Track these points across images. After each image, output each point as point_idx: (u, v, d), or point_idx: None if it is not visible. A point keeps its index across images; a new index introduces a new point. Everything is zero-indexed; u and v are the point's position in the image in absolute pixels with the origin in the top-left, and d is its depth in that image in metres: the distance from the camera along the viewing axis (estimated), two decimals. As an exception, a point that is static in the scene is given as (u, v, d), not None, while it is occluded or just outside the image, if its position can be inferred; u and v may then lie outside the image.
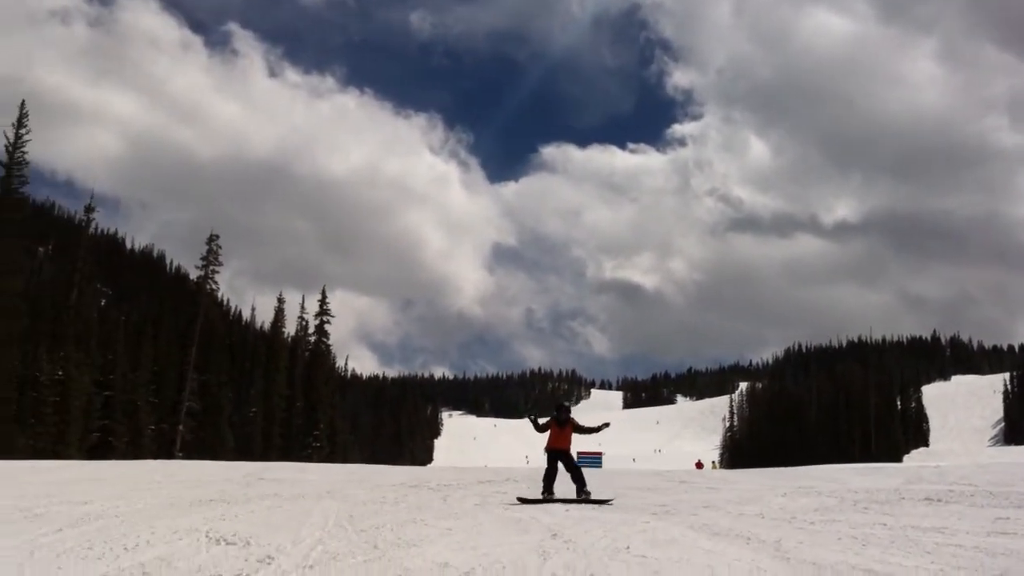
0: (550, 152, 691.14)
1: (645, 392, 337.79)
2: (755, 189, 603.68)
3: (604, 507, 12.45)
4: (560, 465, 14.01)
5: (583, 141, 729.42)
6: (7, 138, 49.42)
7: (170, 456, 53.56)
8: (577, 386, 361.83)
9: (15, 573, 6.93)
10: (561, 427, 14.22)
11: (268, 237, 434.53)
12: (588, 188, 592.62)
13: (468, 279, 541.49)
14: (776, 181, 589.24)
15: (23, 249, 56.40)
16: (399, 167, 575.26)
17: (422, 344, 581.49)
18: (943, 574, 6.55)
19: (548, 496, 13.63)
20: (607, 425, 15.26)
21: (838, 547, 8.05)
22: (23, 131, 50.12)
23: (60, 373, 50.41)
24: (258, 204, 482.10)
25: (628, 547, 8.00)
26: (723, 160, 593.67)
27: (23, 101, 50.98)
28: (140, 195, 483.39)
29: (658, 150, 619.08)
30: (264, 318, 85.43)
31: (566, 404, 14.90)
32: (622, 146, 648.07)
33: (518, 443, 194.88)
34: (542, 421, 14.40)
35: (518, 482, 17.27)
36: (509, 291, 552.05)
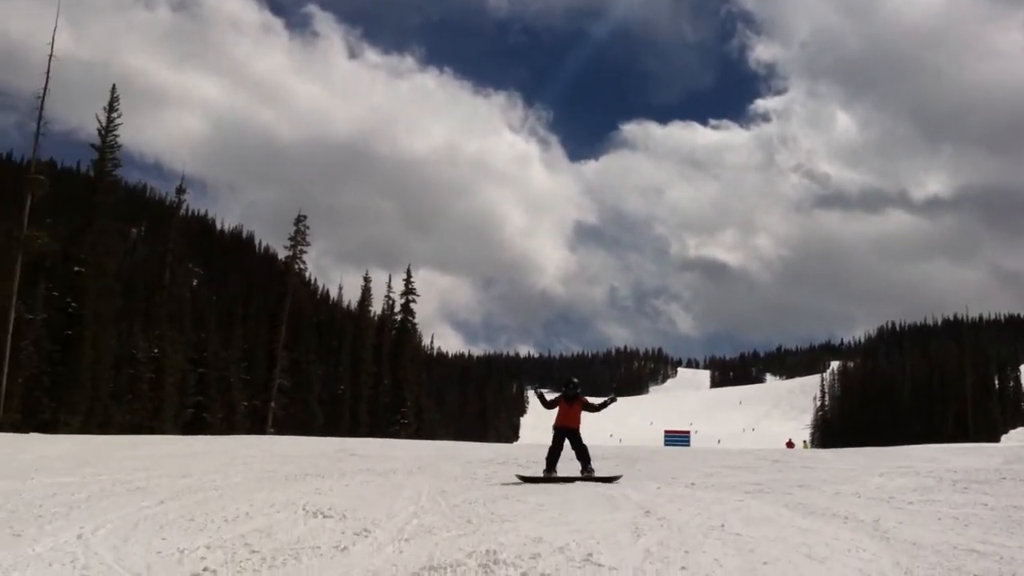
0: (630, 129, 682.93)
1: (733, 371, 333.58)
2: (842, 164, 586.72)
3: (695, 486, 12.01)
4: (567, 443, 13.50)
5: (664, 118, 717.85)
6: (99, 122, 50.39)
7: (262, 432, 54.42)
8: (663, 365, 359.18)
9: (122, 543, 7.23)
10: (570, 404, 13.65)
11: (350, 217, 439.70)
12: (669, 165, 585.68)
13: (550, 258, 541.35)
14: (864, 156, 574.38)
15: (117, 231, 57.72)
16: (479, 146, 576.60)
17: (505, 323, 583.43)
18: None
19: (549, 474, 13.18)
20: (614, 399, 15.19)
21: (938, 527, 7.91)
22: (115, 115, 50.93)
23: (155, 351, 51.57)
24: (340, 184, 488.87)
25: (723, 525, 7.91)
26: (808, 135, 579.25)
27: (114, 85, 51.82)
28: (226, 176, 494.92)
29: (741, 126, 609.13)
30: (350, 297, 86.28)
31: (574, 380, 14.09)
32: (703, 122, 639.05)
33: (603, 421, 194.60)
34: (550, 398, 13.87)
35: (606, 459, 16.88)
36: (591, 269, 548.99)
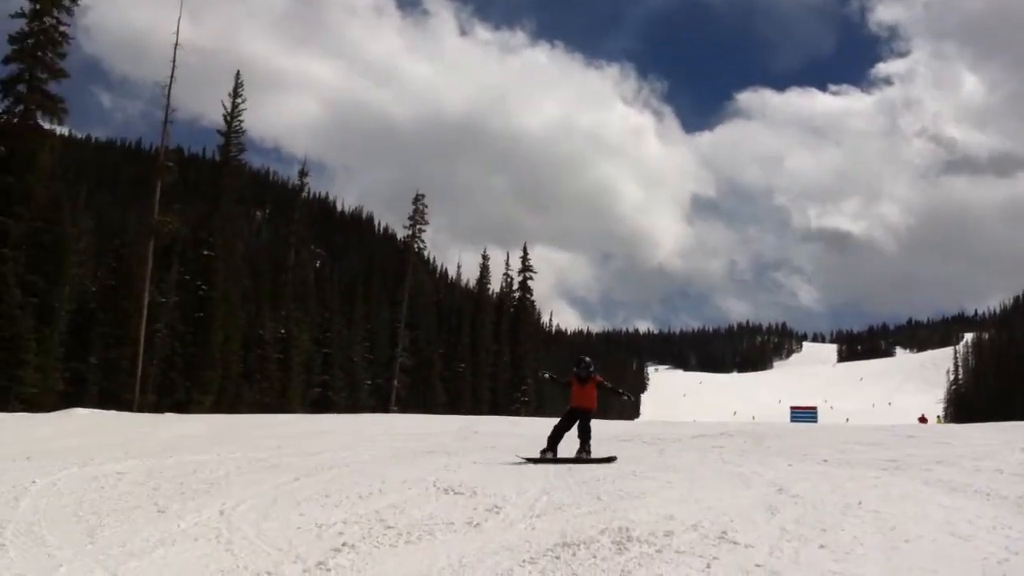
0: (746, 98, 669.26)
1: (861, 344, 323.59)
2: (970, 127, 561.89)
3: (828, 463, 11.34)
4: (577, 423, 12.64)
5: (780, 85, 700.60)
6: (224, 108, 51.54)
7: (386, 410, 55.20)
8: (787, 339, 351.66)
9: (262, 519, 7.54)
10: (582, 384, 12.79)
11: (465, 194, 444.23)
12: (788, 134, 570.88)
13: (667, 231, 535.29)
14: (993, 118, 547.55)
15: (242, 214, 59.13)
16: (592, 119, 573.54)
17: (623, 298, 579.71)
18: None
19: (546, 455, 12.29)
20: (626, 397, 14.43)
21: (1085, 504, 7.49)
22: (239, 100, 52.06)
23: (282, 331, 52.81)
24: (454, 162, 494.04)
25: (860, 502, 7.69)
26: (934, 98, 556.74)
27: (238, 72, 52.86)
28: (342, 158, 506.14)
29: (862, 91, 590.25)
30: (468, 275, 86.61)
31: (587, 359, 13.21)
32: (823, 88, 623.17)
33: (726, 397, 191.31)
34: (564, 381, 13.14)
35: (732, 436, 16.33)
36: (709, 243, 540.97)
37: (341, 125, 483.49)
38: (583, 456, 12.09)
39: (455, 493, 8.77)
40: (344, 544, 6.53)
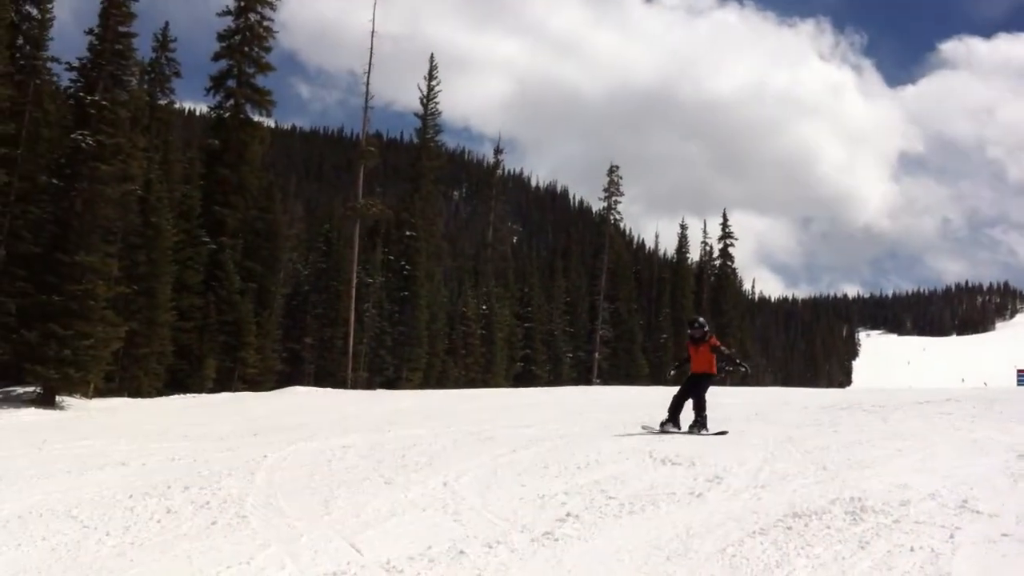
0: (951, 48, 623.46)
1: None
2: None
3: None
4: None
5: (988, 31, 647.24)
6: (420, 91, 52.79)
7: (588, 382, 55.18)
8: (1011, 299, 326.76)
9: (485, 489, 7.62)
10: (696, 346, 11.88)
11: (658, 163, 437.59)
12: (998, 82, 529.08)
13: (872, 191, 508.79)
14: None
15: (441, 194, 60.47)
16: (787, 79, 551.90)
17: (828, 262, 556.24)
18: None
19: (666, 426, 11.56)
20: (744, 368, 12.58)
21: None
22: (434, 83, 53.25)
23: (484, 308, 53.68)
24: (645, 131, 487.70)
25: None
26: None
27: (432, 55, 54.17)
28: (532, 134, 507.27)
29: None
30: (665, 245, 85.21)
31: (698, 320, 12.27)
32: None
33: (949, 362, 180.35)
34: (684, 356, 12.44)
35: (959, 402, 15.16)
36: (919, 201, 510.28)
37: (530, 101, 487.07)
38: (694, 430, 11.32)
39: (673, 464, 8.58)
40: (568, 514, 6.47)
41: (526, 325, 57.90)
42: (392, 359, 45.06)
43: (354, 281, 42.15)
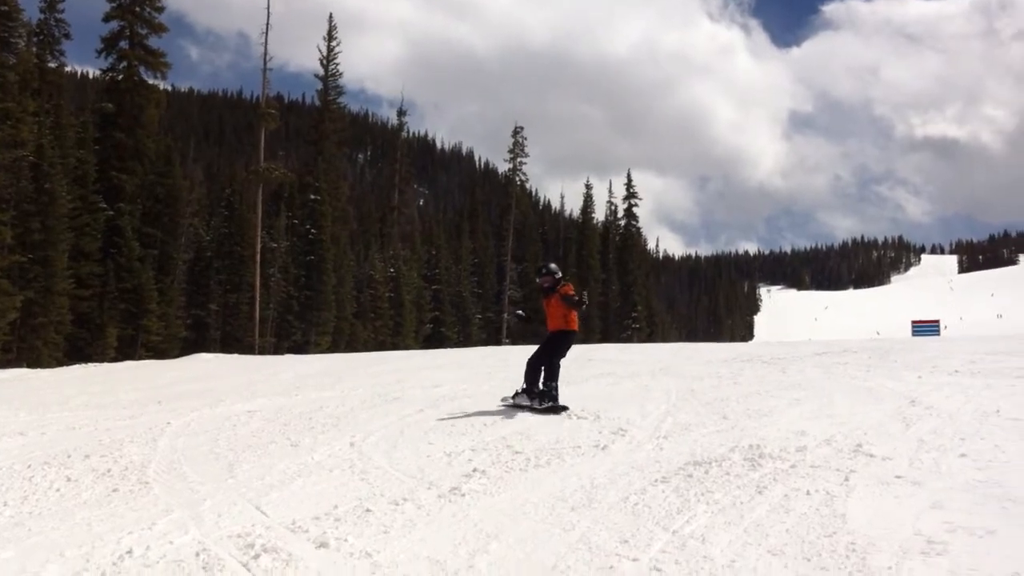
0: (833, 9, 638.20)
1: (983, 254, 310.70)
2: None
3: (959, 373, 10.92)
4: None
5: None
6: (320, 52, 51.77)
7: (498, 343, 55.48)
8: (905, 252, 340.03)
9: (391, 448, 7.70)
10: (548, 298, 9.81)
11: (557, 123, 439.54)
12: (880, 42, 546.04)
13: (765, 150, 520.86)
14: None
15: (345, 157, 59.61)
16: (678, 39, 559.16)
17: (725, 220, 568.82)
18: None
19: (518, 398, 9.77)
20: (583, 303, 9.50)
21: None
22: (334, 44, 52.17)
23: (391, 270, 53.37)
24: (543, 91, 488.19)
25: (998, 411, 7.66)
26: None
27: (331, 14, 52.95)
28: (429, 95, 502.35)
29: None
30: (571, 205, 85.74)
31: (547, 266, 9.99)
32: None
33: (851, 316, 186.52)
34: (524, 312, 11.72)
35: (856, 352, 15.66)
36: (810, 159, 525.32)
37: (426, 62, 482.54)
38: (534, 404, 9.40)
39: (578, 418, 8.77)
40: (475, 470, 6.61)
41: (434, 287, 57.80)
42: (300, 324, 44.56)
43: (259, 246, 41.40)
